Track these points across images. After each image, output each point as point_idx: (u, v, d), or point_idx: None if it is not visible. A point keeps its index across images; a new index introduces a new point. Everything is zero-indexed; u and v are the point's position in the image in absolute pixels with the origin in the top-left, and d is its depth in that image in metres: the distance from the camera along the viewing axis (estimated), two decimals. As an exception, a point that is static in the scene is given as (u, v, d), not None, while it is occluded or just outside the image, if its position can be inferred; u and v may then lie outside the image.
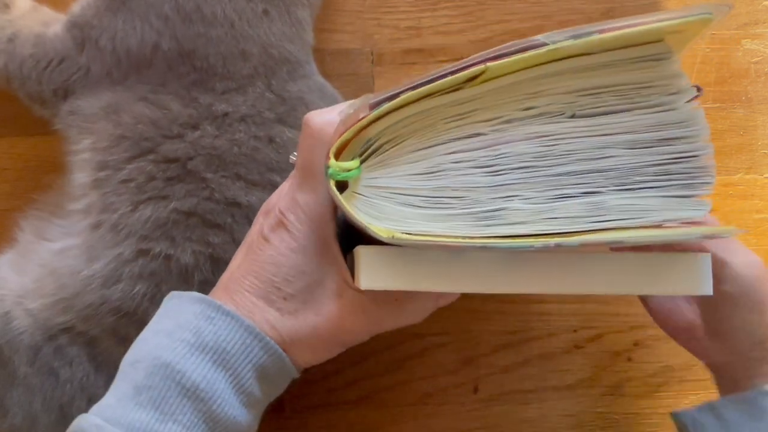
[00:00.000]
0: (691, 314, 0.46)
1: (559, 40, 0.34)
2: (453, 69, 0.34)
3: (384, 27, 0.62)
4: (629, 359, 0.60)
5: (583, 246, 0.36)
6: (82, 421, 0.33)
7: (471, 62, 0.34)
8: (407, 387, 0.60)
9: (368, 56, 0.62)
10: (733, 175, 0.61)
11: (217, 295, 0.38)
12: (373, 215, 0.35)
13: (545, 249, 0.35)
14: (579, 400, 0.60)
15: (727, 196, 0.61)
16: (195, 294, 0.37)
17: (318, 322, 0.37)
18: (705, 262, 0.38)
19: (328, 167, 0.34)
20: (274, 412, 0.59)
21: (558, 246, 0.35)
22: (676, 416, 0.46)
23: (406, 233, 0.35)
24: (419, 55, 0.62)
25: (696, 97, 0.37)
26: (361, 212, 0.35)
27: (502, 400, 0.60)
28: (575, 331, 0.59)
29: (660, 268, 0.38)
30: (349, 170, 0.35)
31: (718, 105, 0.61)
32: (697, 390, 0.60)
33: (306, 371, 0.59)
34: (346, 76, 0.62)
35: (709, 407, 0.44)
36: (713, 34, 0.62)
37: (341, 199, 0.35)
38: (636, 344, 0.59)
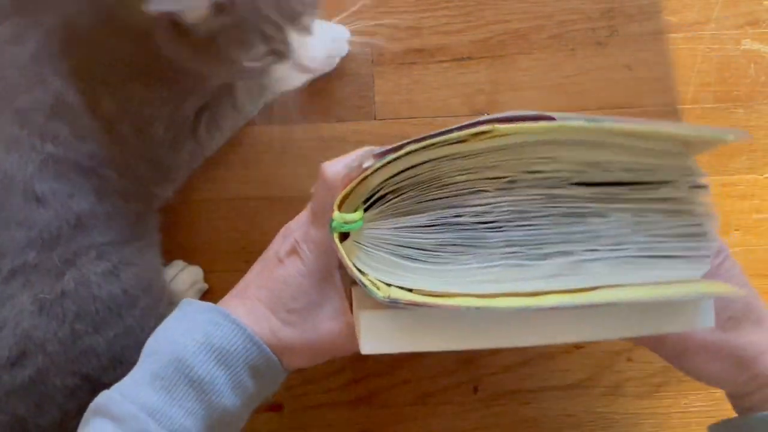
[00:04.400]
0: None
1: (570, 119, 0.34)
2: (460, 126, 0.34)
3: (384, 27, 0.62)
4: (629, 359, 0.60)
5: (579, 307, 0.36)
6: (105, 395, 0.40)
7: (479, 121, 0.34)
8: (407, 387, 0.60)
9: (368, 56, 0.62)
10: (733, 175, 0.61)
11: (231, 301, 0.44)
12: (374, 267, 0.36)
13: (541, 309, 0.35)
14: (579, 400, 0.60)
15: (727, 196, 0.61)
16: (207, 303, 0.43)
17: (313, 337, 0.42)
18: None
19: (332, 220, 0.35)
20: (274, 412, 0.60)
21: (555, 308, 0.35)
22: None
23: (403, 289, 0.35)
24: (419, 55, 0.62)
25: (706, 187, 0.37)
26: (362, 263, 0.36)
27: (502, 400, 0.60)
28: (575, 331, 0.59)
29: (662, 307, 0.38)
30: (352, 222, 0.35)
31: (718, 105, 0.61)
32: (697, 390, 0.60)
33: (306, 371, 0.59)
34: (346, 76, 0.62)
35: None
36: (713, 34, 0.62)
37: (343, 253, 0.35)
38: (636, 344, 0.59)
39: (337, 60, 0.60)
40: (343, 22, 0.58)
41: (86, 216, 0.50)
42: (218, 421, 0.40)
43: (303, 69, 0.52)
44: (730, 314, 0.42)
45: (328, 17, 0.57)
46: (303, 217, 0.44)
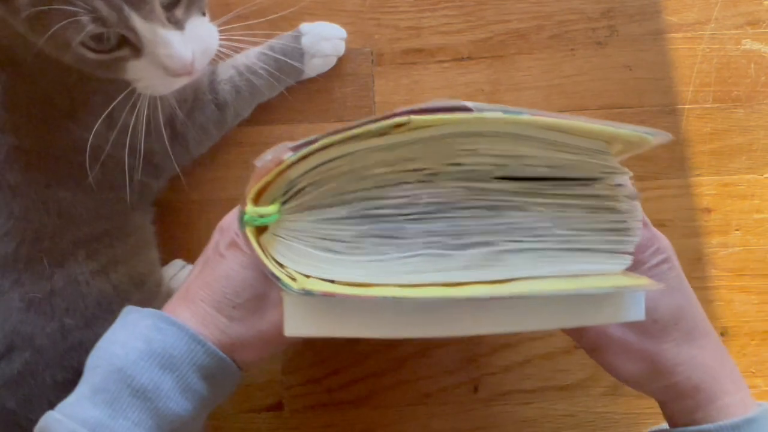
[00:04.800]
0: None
1: (486, 110, 0.33)
2: (377, 118, 0.34)
3: (384, 27, 0.62)
4: (629, 359, 0.60)
5: (497, 299, 0.35)
6: (47, 416, 0.39)
7: (396, 113, 0.34)
8: (407, 387, 0.60)
9: (368, 56, 0.62)
10: (733, 175, 0.61)
11: (175, 303, 0.43)
12: (294, 259, 0.35)
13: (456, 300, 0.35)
14: (579, 400, 0.60)
15: (727, 196, 0.61)
16: (150, 309, 0.42)
17: (262, 327, 0.41)
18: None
19: (244, 213, 0.34)
20: (274, 412, 0.60)
21: (474, 299, 0.34)
22: None
23: (324, 280, 0.35)
24: (419, 55, 0.62)
25: (631, 186, 0.37)
26: (282, 255, 0.35)
27: (502, 400, 0.60)
28: (575, 331, 0.59)
29: (585, 299, 0.37)
30: (267, 215, 0.35)
31: (718, 105, 0.61)
32: (697, 390, 0.60)
33: (306, 371, 0.59)
34: (346, 76, 0.62)
35: None
36: (713, 34, 0.62)
37: (255, 246, 0.35)
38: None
39: (335, 60, 0.60)
40: (223, 25, 0.52)
41: (69, 205, 0.49)
42: (170, 428, 0.39)
43: (165, 70, 0.45)
44: (656, 317, 0.41)
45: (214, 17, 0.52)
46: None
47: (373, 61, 0.62)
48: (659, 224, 0.44)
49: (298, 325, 0.37)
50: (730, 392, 0.42)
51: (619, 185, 0.37)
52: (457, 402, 0.60)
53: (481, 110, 0.33)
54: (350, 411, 0.60)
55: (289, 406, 0.60)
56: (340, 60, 0.61)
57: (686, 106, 0.62)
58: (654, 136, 0.36)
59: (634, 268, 0.38)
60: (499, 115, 0.34)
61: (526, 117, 0.34)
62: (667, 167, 0.61)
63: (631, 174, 0.37)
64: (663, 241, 0.42)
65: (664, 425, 0.45)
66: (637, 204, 0.37)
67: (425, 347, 0.60)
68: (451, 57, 0.62)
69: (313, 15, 0.62)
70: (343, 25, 0.61)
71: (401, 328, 0.37)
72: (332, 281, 0.35)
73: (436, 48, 0.62)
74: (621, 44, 0.62)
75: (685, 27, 0.62)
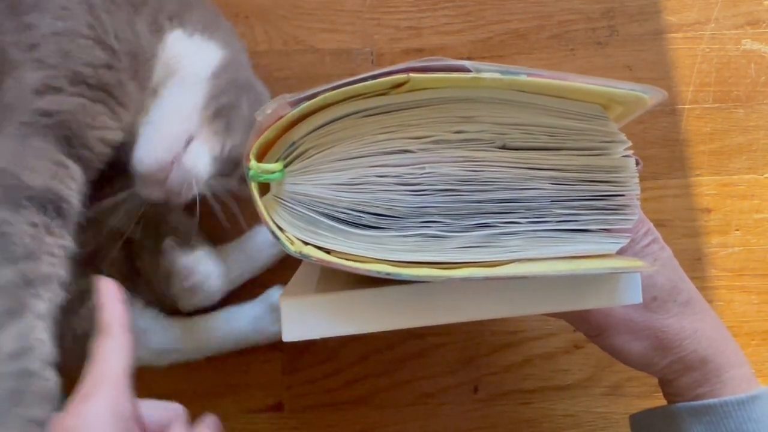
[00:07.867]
0: None
1: (483, 70, 0.33)
2: (376, 74, 0.34)
3: (384, 27, 0.62)
4: (629, 359, 0.60)
5: (492, 279, 0.35)
6: None
7: (395, 70, 0.33)
8: (407, 387, 0.60)
9: (368, 56, 0.62)
10: (733, 175, 0.61)
11: None
12: (293, 224, 0.35)
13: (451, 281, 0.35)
14: (579, 400, 0.60)
15: (727, 196, 0.61)
16: None
17: None
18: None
19: (248, 169, 0.34)
20: (274, 412, 0.60)
21: (465, 280, 0.34)
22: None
23: (321, 249, 0.35)
24: (419, 55, 0.62)
25: (630, 157, 0.37)
26: (282, 219, 0.35)
27: (502, 400, 0.60)
28: (575, 331, 0.59)
29: (582, 282, 0.38)
30: (271, 172, 0.34)
31: (718, 105, 0.62)
32: (697, 390, 0.60)
33: (306, 371, 0.59)
34: (347, 76, 0.61)
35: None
36: (713, 34, 0.62)
37: (260, 203, 0.35)
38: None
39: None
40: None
41: None
42: None
43: None
44: (655, 294, 0.42)
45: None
46: None
47: (373, 61, 0.62)
48: (659, 224, 0.44)
49: (296, 329, 0.37)
50: (735, 365, 0.42)
51: (620, 157, 0.37)
52: (457, 402, 0.60)
53: (479, 70, 0.33)
54: (350, 411, 0.60)
55: (289, 406, 0.60)
56: (341, 60, 0.61)
57: (686, 106, 0.62)
58: (649, 95, 0.36)
59: (627, 247, 0.38)
60: (496, 75, 0.34)
61: (522, 78, 0.34)
62: (667, 167, 0.61)
63: (631, 143, 0.37)
64: (650, 223, 0.43)
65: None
66: (636, 178, 0.37)
67: (425, 347, 0.60)
68: (451, 57, 0.62)
69: (312, 15, 0.62)
70: (344, 25, 0.61)
71: (399, 320, 0.37)
72: (328, 251, 0.35)
73: (436, 48, 0.62)
74: (621, 44, 0.62)
75: (685, 27, 0.62)
